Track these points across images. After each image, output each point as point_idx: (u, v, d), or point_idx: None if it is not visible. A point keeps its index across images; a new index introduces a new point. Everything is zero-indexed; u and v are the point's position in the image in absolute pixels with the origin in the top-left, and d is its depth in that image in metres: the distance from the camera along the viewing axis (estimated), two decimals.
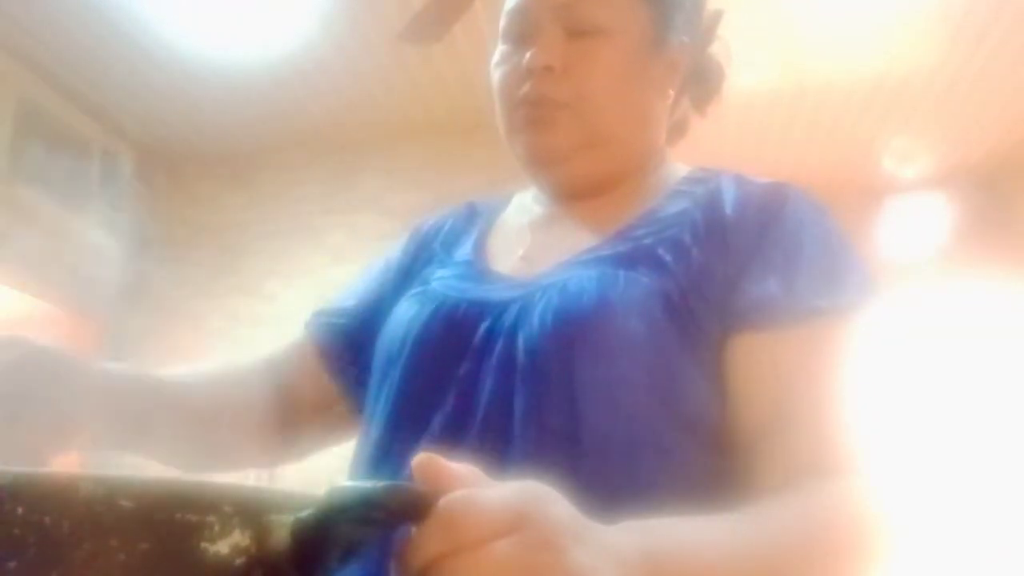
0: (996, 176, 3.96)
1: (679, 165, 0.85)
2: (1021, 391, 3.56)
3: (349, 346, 0.86)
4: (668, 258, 0.71)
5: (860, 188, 4.02)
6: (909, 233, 3.96)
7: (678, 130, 0.93)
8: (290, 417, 0.84)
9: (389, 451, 0.71)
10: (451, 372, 0.70)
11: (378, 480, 0.38)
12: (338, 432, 0.89)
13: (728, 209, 0.74)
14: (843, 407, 0.64)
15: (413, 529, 0.39)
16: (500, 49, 0.82)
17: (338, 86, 3.39)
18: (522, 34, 0.79)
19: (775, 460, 0.63)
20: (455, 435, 0.66)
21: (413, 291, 0.81)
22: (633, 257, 0.72)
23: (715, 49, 0.90)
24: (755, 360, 0.67)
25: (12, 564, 0.32)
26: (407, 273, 0.88)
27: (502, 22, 0.82)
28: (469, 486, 0.40)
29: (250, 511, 0.37)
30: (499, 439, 0.64)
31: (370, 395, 0.78)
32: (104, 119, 3.55)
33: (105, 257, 3.61)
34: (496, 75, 0.82)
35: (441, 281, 0.80)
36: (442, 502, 0.38)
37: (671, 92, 0.83)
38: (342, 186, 3.73)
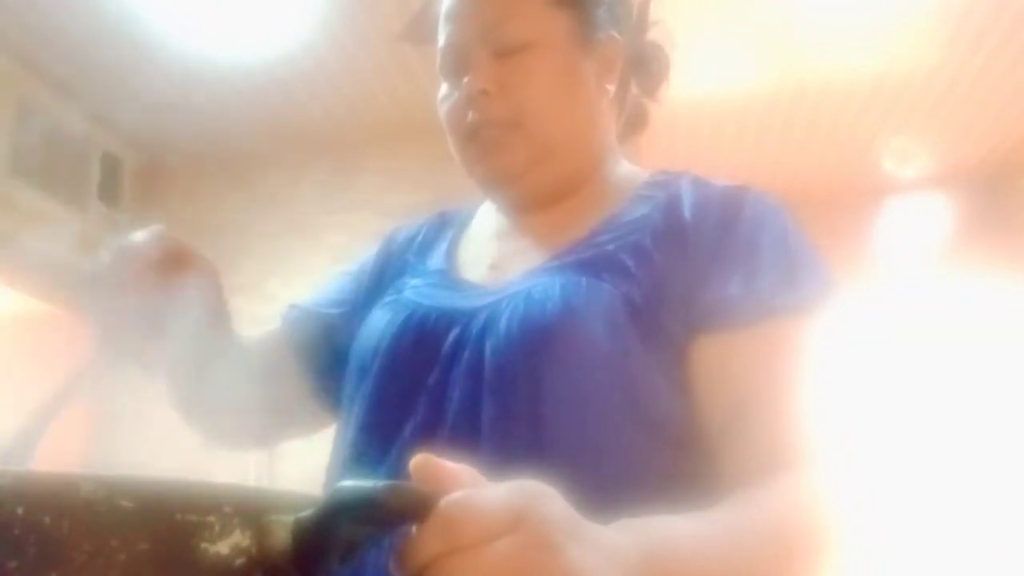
0: (996, 176, 3.96)
1: (637, 168, 0.87)
2: (1020, 390, 3.56)
3: (322, 339, 0.88)
4: (631, 263, 0.72)
5: (860, 188, 4.02)
6: (909, 233, 3.95)
7: (637, 122, 0.94)
8: (270, 401, 0.85)
9: (363, 457, 0.72)
10: (422, 380, 0.71)
11: (374, 481, 0.38)
12: (308, 420, 0.92)
13: (687, 213, 0.75)
14: (803, 403, 0.65)
15: (413, 529, 0.39)
16: (441, 85, 0.85)
17: (338, 86, 3.39)
18: (457, 67, 0.82)
19: (738, 457, 0.65)
20: (425, 443, 0.66)
21: (386, 299, 0.83)
22: (597, 263, 0.73)
23: (654, 35, 0.92)
24: (718, 361, 0.68)
25: (12, 564, 0.32)
26: (380, 281, 0.89)
27: (438, 62, 0.84)
28: (467, 486, 0.40)
29: (250, 511, 0.37)
30: (467, 446, 0.65)
31: (344, 401, 0.79)
32: (104, 119, 3.55)
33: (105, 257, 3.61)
34: (442, 110, 0.84)
35: (414, 290, 0.82)
36: (442, 502, 0.38)
37: (610, 87, 0.85)
38: (341, 186, 3.73)
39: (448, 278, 0.83)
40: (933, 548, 3.46)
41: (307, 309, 0.92)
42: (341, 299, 0.91)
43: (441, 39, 0.84)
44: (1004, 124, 3.61)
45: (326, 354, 0.87)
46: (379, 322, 0.78)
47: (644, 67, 0.91)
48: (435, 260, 0.87)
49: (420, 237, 0.92)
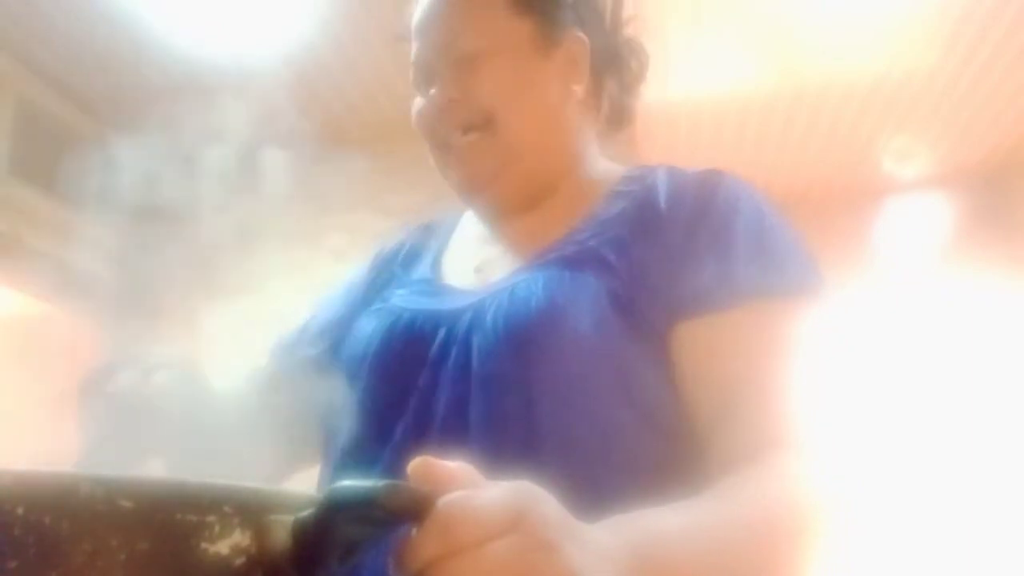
0: (996, 176, 3.96)
1: (615, 165, 0.87)
2: (1020, 390, 3.56)
3: (316, 371, 0.86)
4: (611, 257, 0.73)
5: (860, 188, 4.02)
6: (909, 233, 3.95)
7: (619, 119, 0.94)
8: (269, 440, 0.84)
9: (356, 462, 0.72)
10: (412, 383, 0.72)
11: (373, 481, 0.38)
12: (311, 452, 0.88)
13: (662, 203, 0.76)
14: (783, 384, 0.65)
15: (413, 530, 0.39)
16: (415, 98, 0.86)
17: (338, 86, 3.39)
18: (425, 80, 0.84)
19: (722, 442, 0.65)
20: (416, 444, 0.67)
21: (373, 308, 0.83)
22: (578, 259, 0.74)
23: (630, 32, 0.92)
24: (698, 346, 0.69)
25: (12, 564, 0.32)
26: (369, 293, 0.89)
27: (411, 75, 0.86)
28: (466, 486, 0.40)
29: (250, 511, 0.37)
30: (457, 444, 0.65)
31: (336, 408, 0.78)
32: (104, 119, 3.55)
33: (105, 257, 3.61)
34: (414, 121, 0.86)
35: (400, 298, 0.83)
36: (439, 503, 0.38)
37: (576, 88, 0.85)
38: (342, 186, 3.73)
39: (434, 285, 0.84)
40: (927, 542, 3.46)
41: (292, 352, 0.90)
42: (331, 320, 0.89)
43: (412, 54, 0.86)
44: (1004, 124, 3.60)
45: (318, 383, 0.84)
46: (366, 329, 0.79)
47: (620, 65, 0.91)
48: (421, 269, 0.88)
49: (405, 249, 0.93)
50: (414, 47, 0.85)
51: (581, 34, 0.85)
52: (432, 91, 0.82)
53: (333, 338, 0.87)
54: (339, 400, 0.79)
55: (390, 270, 0.91)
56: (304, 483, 0.85)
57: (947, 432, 3.59)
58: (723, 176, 0.78)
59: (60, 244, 3.38)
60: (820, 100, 3.41)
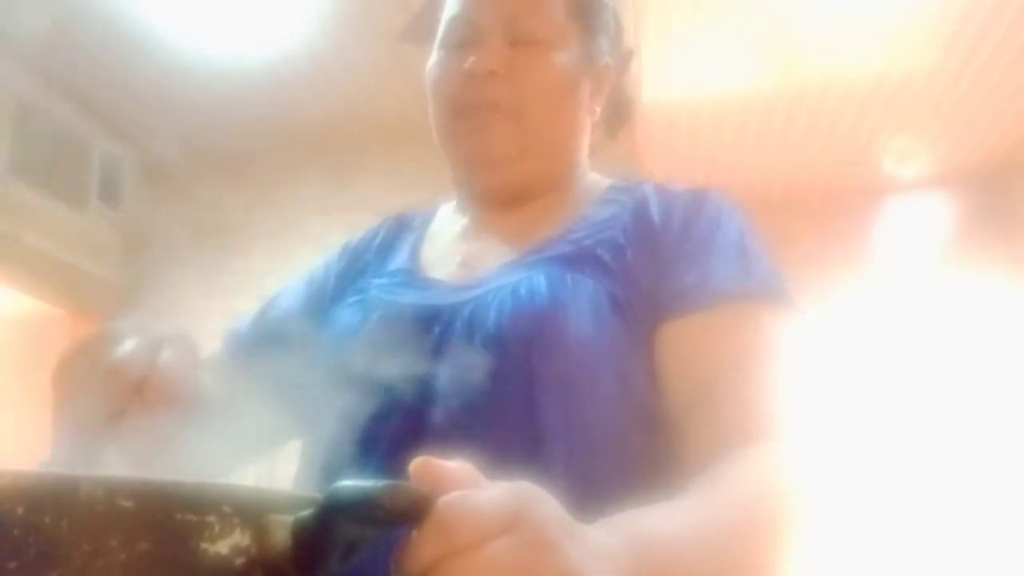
0: (996, 176, 3.96)
1: (600, 176, 0.91)
2: (1020, 390, 3.56)
3: (273, 359, 0.84)
4: (608, 258, 0.76)
5: (860, 188, 4.02)
6: (909, 233, 3.95)
7: (592, 151, 0.97)
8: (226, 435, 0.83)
9: (348, 456, 0.71)
10: (405, 377, 0.71)
11: (374, 481, 0.38)
12: (263, 442, 0.89)
13: (655, 215, 0.80)
14: (757, 380, 0.68)
15: (413, 532, 0.39)
16: (438, 54, 0.85)
17: (337, 86, 3.39)
18: (463, 41, 0.83)
19: (699, 435, 0.68)
20: (413, 438, 0.67)
21: (351, 299, 0.83)
22: (576, 258, 0.76)
23: (626, 82, 0.96)
24: (678, 344, 0.72)
25: (12, 564, 0.32)
26: (340, 284, 0.89)
27: (442, 29, 0.85)
28: (466, 486, 0.40)
29: (250, 511, 0.37)
30: (458, 439, 0.65)
31: (317, 403, 0.77)
32: (104, 119, 3.55)
33: (105, 257, 3.61)
34: (433, 78, 0.84)
35: (380, 288, 0.82)
36: (438, 503, 0.38)
37: (597, 109, 0.89)
38: (341, 186, 3.73)
39: (414, 277, 0.83)
40: (924, 541, 3.46)
41: (247, 339, 0.89)
42: (290, 314, 0.89)
43: (453, 9, 0.84)
44: (1004, 124, 3.60)
45: (284, 371, 0.83)
46: (350, 321, 0.79)
47: (615, 107, 0.95)
48: (398, 260, 0.87)
49: (378, 239, 0.93)
50: (458, 4, 0.84)
51: (610, 63, 0.89)
52: (471, 58, 0.80)
53: (296, 326, 0.87)
54: (311, 389, 0.77)
55: (363, 259, 0.90)
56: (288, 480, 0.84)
57: (946, 432, 3.60)
58: (708, 193, 0.82)
59: (60, 244, 3.38)
60: (820, 100, 3.41)
